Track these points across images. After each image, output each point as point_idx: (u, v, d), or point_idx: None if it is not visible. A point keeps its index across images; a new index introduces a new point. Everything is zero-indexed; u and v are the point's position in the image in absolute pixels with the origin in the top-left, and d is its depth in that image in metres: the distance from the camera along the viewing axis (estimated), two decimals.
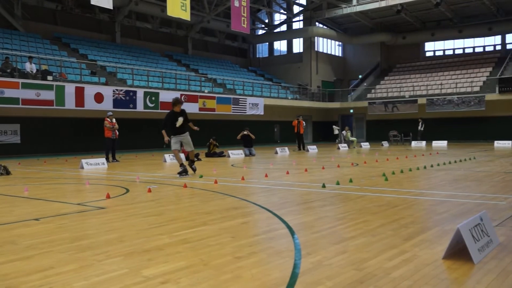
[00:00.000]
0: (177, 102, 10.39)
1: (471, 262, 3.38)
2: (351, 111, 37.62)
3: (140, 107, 23.42)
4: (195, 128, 10.80)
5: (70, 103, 20.58)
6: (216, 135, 20.39)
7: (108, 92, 22.04)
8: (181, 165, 10.51)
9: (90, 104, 21.28)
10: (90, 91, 21.34)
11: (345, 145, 25.66)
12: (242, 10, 26.34)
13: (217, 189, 7.98)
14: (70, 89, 20.60)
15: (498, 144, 26.13)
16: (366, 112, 36.06)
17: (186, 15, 23.02)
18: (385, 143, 29.32)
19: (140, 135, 24.96)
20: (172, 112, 10.35)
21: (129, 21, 31.99)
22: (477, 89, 32.64)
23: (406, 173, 10.38)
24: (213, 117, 28.03)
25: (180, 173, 10.37)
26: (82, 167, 13.10)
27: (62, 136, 22.28)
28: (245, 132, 19.97)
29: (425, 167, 11.79)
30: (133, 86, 24.54)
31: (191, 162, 11.03)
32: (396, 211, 5.60)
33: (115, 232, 4.65)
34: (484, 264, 3.40)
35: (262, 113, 30.46)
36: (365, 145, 27.19)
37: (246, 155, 19.03)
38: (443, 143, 28.23)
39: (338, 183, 8.43)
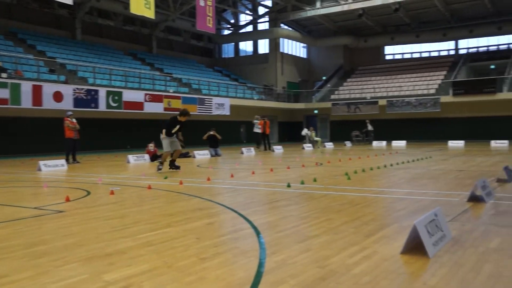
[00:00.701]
0: (186, 114, 11.52)
1: (426, 256, 3.51)
2: (316, 111, 38.15)
3: (102, 106, 22.89)
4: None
5: (26, 102, 19.77)
6: (182, 135, 20.15)
7: (68, 91, 21.39)
8: (162, 163, 11.69)
9: (48, 103, 20.55)
10: (48, 89, 20.62)
11: (310, 145, 26.01)
12: (208, 9, 26.21)
13: (182, 190, 7.91)
14: (26, 87, 19.80)
15: (452, 143, 27.19)
16: (330, 112, 36.65)
17: (150, 13, 22.66)
18: (348, 143, 29.90)
19: (103, 135, 24.38)
20: (176, 119, 11.51)
21: (90, 18, 31.16)
22: (433, 91, 33.80)
23: (368, 172, 10.63)
24: None
25: (159, 168, 11.51)
26: (40, 169, 12.60)
27: (18, 137, 21.34)
28: (212, 133, 19.88)
29: (385, 166, 12.11)
30: (94, 85, 23.94)
31: (173, 161, 11.94)
32: (357, 209, 5.73)
33: (74, 236, 4.52)
34: (438, 258, 3.54)
35: (228, 113, 30.41)
36: (329, 145, 27.64)
37: (212, 156, 18.95)
38: (402, 143, 29.06)
39: (302, 183, 8.53)
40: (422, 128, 33.36)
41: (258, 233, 4.50)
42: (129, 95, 24.13)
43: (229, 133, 31.09)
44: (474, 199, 6.12)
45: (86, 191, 7.94)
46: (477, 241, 4.06)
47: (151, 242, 4.21)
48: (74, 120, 15.39)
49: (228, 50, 43.33)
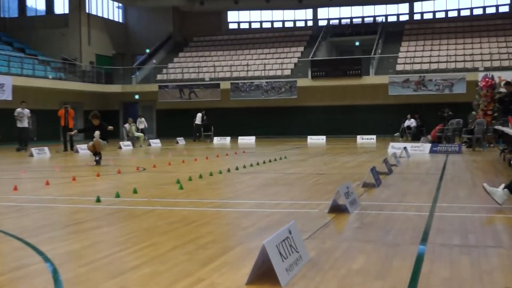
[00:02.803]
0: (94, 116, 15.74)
1: (278, 285, 3.75)
2: (137, 97, 37.77)
3: None
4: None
5: None
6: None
7: None
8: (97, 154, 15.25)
9: None
10: None
11: (129, 143, 25.66)
12: None
13: None
14: None
15: (311, 140, 29.37)
16: (156, 99, 36.67)
17: None
18: (181, 140, 30.30)
19: None
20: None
21: None
22: (288, 72, 36.20)
23: (206, 179, 10.94)
24: None
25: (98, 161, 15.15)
26: None
27: None
28: None
29: (229, 170, 12.59)
30: None
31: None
32: (192, 229, 5.89)
33: None
34: (292, 286, 3.82)
35: (10, 98, 28.35)
36: (155, 143, 27.66)
37: None
38: (251, 139, 30.40)
39: (118, 195, 8.45)
40: (275, 119, 35.31)
41: (53, 268, 4.33)
42: None
43: (11, 127, 29.01)
44: (337, 209, 6.72)
45: None
46: (339, 262, 4.48)
47: None
48: None
49: (9, 8, 40.63)
